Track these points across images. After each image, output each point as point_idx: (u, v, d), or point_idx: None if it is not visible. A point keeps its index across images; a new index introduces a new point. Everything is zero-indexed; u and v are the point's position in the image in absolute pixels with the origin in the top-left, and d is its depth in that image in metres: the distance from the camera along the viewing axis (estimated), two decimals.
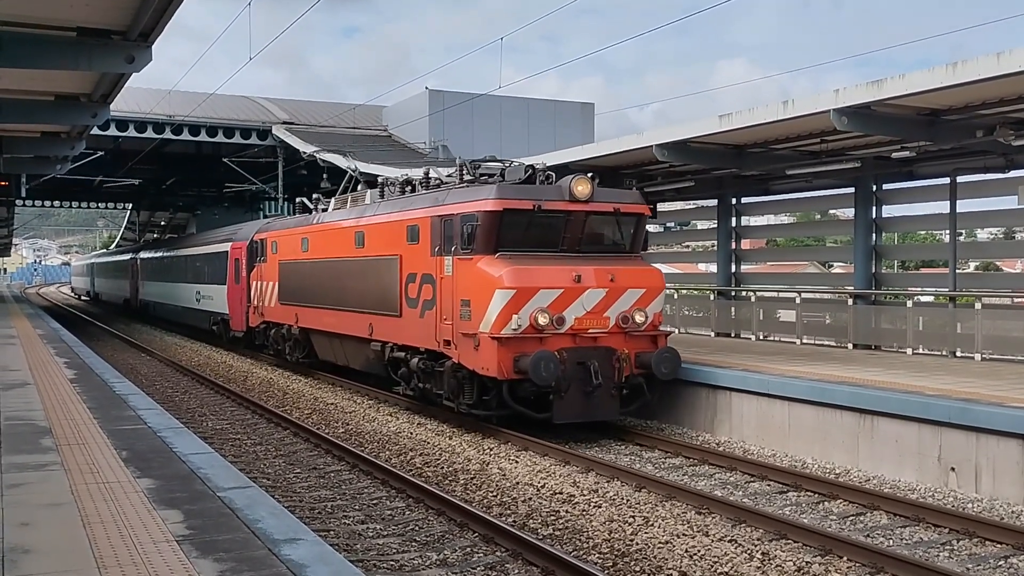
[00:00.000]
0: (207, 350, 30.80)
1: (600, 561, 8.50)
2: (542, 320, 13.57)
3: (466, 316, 14.02)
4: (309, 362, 22.63)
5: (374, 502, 10.87)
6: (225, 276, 29.02)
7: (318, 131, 38.39)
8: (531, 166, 14.76)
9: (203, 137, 37.56)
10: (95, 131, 26.21)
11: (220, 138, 37.82)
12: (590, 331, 13.96)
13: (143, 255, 47.17)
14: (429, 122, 36.97)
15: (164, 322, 40.99)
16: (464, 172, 15.82)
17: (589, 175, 14.59)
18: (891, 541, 9.21)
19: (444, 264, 14.76)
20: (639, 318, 14.32)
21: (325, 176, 35.78)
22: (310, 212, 23.25)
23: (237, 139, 38.17)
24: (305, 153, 35.72)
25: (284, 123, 38.93)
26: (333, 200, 21.68)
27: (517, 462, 12.80)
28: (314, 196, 23.12)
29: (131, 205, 69.99)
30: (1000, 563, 8.52)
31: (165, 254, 41.43)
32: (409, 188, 17.76)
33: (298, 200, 25.02)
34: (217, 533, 5.86)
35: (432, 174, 17.39)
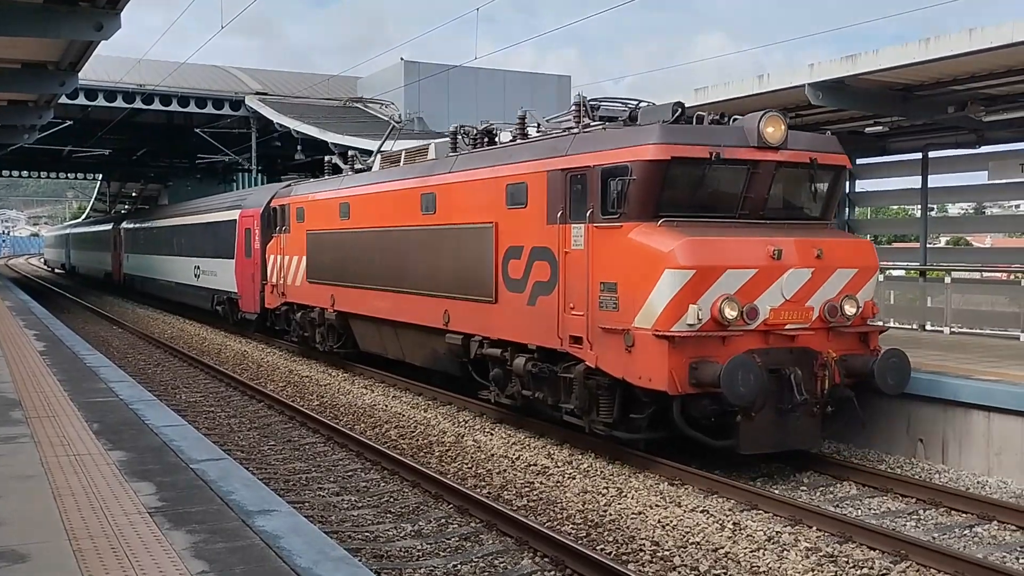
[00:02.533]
0: (180, 322, 30.56)
1: (573, 531, 8.57)
2: (729, 312, 9.88)
3: (609, 305, 10.46)
4: (345, 353, 18.98)
5: (349, 474, 10.89)
6: (232, 249, 25.42)
7: (292, 102, 37.95)
8: (680, 103, 10.90)
9: (174, 107, 37.00)
10: (63, 100, 25.77)
11: (192, 108, 37.29)
12: (787, 327, 10.32)
13: (128, 224, 43.01)
14: (404, 94, 36.63)
15: (154, 300, 37.31)
16: (586, 113, 11.90)
17: (780, 112, 10.90)
18: None
19: (570, 234, 11.13)
20: (849, 308, 10.67)
21: (300, 148, 35.46)
22: (340, 172, 20.06)
23: (209, 109, 37.66)
24: (279, 124, 35.36)
25: (257, 94, 38.46)
26: (378, 157, 18.28)
27: (492, 435, 12.85)
28: (350, 153, 20.07)
29: (101, 176, 69.06)
30: None
31: (155, 224, 37.14)
32: (486, 140, 14.43)
33: (328, 159, 21.53)
34: (190, 505, 5.84)
35: (530, 119, 13.55)
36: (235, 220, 25.46)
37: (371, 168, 18.40)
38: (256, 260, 23.41)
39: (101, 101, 35.50)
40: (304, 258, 19.87)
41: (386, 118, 39.27)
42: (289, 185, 23.02)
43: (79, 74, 18.76)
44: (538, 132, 13.35)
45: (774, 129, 10.54)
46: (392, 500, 9.78)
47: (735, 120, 10.94)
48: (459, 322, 13.71)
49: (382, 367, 17.85)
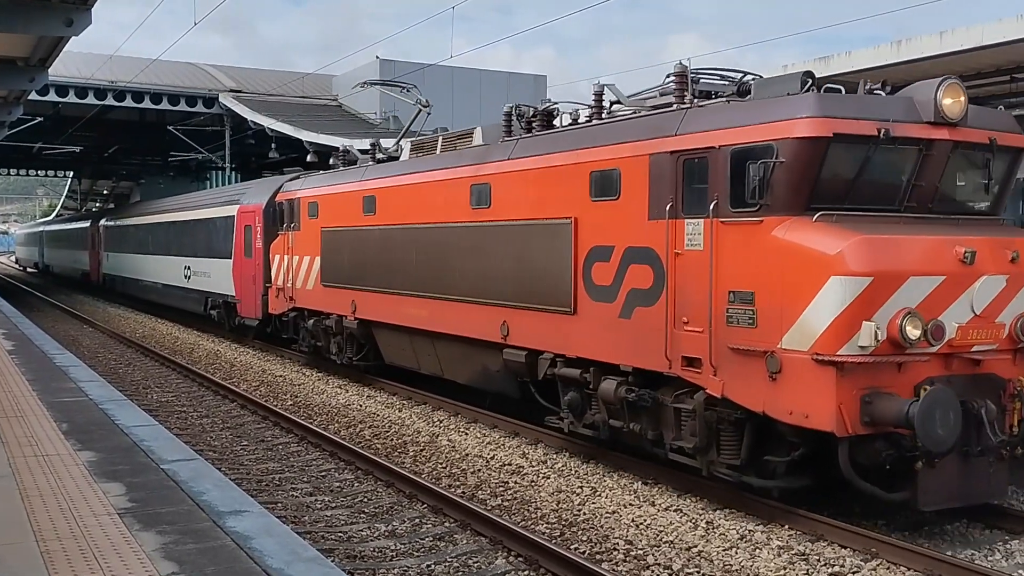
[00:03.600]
0: (151, 321, 30.27)
1: (548, 531, 8.58)
2: (912, 331, 7.90)
3: (742, 319, 8.41)
4: (366, 366, 16.78)
5: (323, 474, 10.83)
6: (229, 248, 23.17)
7: (266, 100, 37.74)
8: (810, 73, 9.01)
9: (147, 104, 36.67)
10: (33, 96, 25.40)
11: (165, 105, 36.97)
12: (973, 348, 8.38)
13: (107, 222, 40.44)
14: (380, 92, 36.48)
15: (137, 303, 35.06)
16: (684, 86, 9.97)
17: (958, 80, 8.93)
18: None
19: (682, 232, 9.11)
20: None
21: (274, 146, 35.28)
22: (355, 163, 18.33)
23: (182, 107, 37.35)
24: (253, 122, 35.14)
25: (231, 91, 38.19)
26: (406, 144, 15.85)
27: (467, 434, 12.83)
28: (370, 142, 18.05)
29: (72, 173, 68.24)
30: None
31: (139, 220, 34.45)
32: (542, 122, 12.33)
33: (341, 147, 19.96)
34: (160, 506, 5.79)
35: (609, 96, 11.46)
36: (233, 216, 23.16)
37: (398, 157, 16.14)
38: (258, 260, 21.28)
39: (72, 98, 35.11)
40: (318, 259, 17.66)
41: (361, 116, 39.18)
42: (297, 177, 20.52)
43: (49, 70, 18.52)
44: (609, 110, 11.34)
45: (953, 101, 8.55)
46: (366, 500, 9.74)
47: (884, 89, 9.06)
48: (522, 336, 11.57)
49: (412, 383, 15.75)
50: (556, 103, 12.40)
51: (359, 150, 19.76)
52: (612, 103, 11.38)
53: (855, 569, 7.51)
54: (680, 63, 10.16)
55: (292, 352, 20.24)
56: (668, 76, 10.28)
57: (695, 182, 9.04)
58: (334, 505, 9.54)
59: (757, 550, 7.98)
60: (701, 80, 10.32)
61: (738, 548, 8.05)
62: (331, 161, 21.73)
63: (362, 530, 8.66)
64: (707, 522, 8.76)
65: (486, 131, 13.35)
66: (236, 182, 39.46)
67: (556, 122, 12.28)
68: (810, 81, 8.83)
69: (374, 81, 20.78)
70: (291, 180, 20.26)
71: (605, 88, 11.30)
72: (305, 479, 10.60)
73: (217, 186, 43.32)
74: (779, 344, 8.08)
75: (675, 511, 9.15)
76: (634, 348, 9.70)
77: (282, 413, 13.86)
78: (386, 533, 8.58)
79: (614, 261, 10.03)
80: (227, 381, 17.40)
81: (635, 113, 10.71)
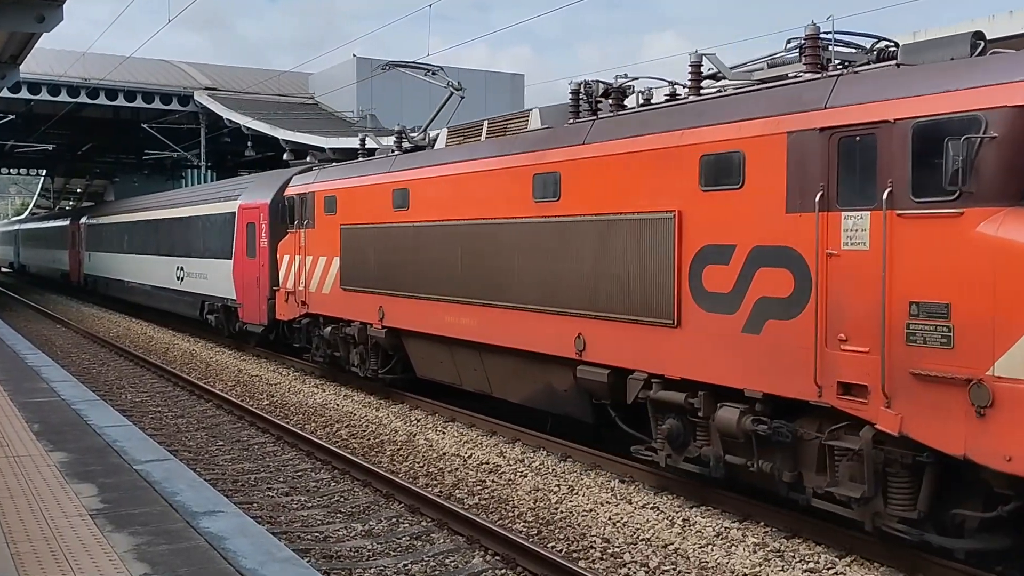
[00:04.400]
0: (126, 321, 29.99)
1: (525, 529, 8.58)
2: None
3: (932, 338, 6.79)
4: (392, 380, 15.02)
5: (299, 474, 10.78)
6: (230, 247, 21.38)
7: (242, 98, 37.52)
8: (980, 33, 7.54)
9: (120, 102, 36.36)
10: (5, 94, 25.12)
11: (139, 103, 36.68)
12: None
13: (90, 220, 38.24)
14: (357, 90, 36.41)
15: (123, 306, 33.06)
16: (817, 53, 8.49)
17: None
18: None
19: (838, 227, 7.50)
20: None
21: (250, 144, 35.09)
22: (373, 153, 16.79)
23: (157, 104, 37.07)
24: (228, 120, 34.92)
25: (206, 89, 37.94)
26: (442, 131, 14.05)
27: (444, 433, 12.81)
28: (396, 128, 15.82)
29: (45, 171, 67.47)
30: None
31: (125, 218, 32.35)
32: (618, 99, 10.80)
33: (360, 136, 18.17)
34: (133, 507, 5.73)
35: (708, 65, 9.75)
36: (233, 213, 21.37)
37: (426, 147, 14.67)
38: (262, 261, 19.58)
39: (44, 95, 34.75)
40: (337, 260, 15.82)
41: (338, 115, 38.99)
42: (310, 169, 18.84)
43: (21, 67, 18.33)
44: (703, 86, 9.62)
45: None
46: (342, 500, 9.70)
47: None
48: (603, 351, 9.87)
49: (449, 400, 14.06)
50: (633, 78, 10.77)
51: (365, 149, 18.05)
52: (699, 80, 9.55)
53: (830, 566, 7.56)
54: (813, 24, 8.57)
55: (302, 363, 18.63)
56: (790, 41, 8.82)
57: (857, 165, 7.37)
58: (310, 505, 9.49)
59: (733, 547, 8.02)
60: (830, 47, 8.64)
61: (714, 545, 8.08)
62: (307, 159, 21.56)
63: (338, 530, 8.62)
64: (683, 519, 8.79)
65: (544, 113, 11.81)
66: (212, 180, 39.19)
67: (628, 101, 10.73)
68: (981, 44, 7.34)
69: (397, 63, 17.88)
70: (301, 173, 18.60)
71: (703, 58, 9.46)
72: (281, 479, 10.54)
73: (193, 184, 42.98)
74: (989, 371, 6.40)
75: (652, 509, 9.17)
76: (765, 370, 7.94)
77: (258, 413, 13.78)
78: (363, 533, 8.55)
79: (735, 263, 8.29)
80: (202, 381, 17.27)
81: (758, 84, 8.93)
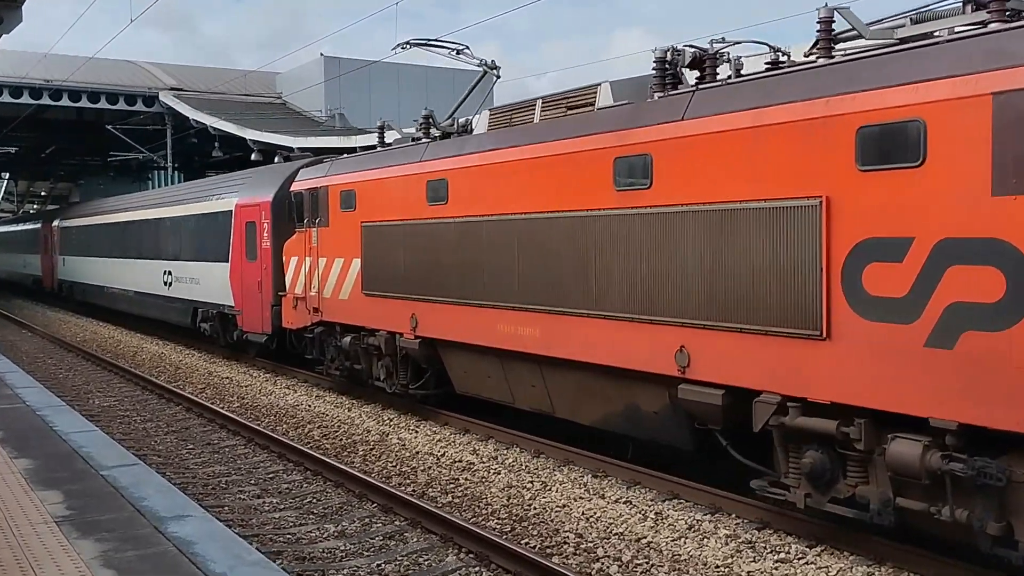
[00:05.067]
0: (93, 325, 29.62)
1: (498, 526, 8.58)
2: None
3: None
4: (425, 396, 13.45)
5: (270, 476, 10.70)
6: (226, 249, 19.60)
7: (208, 98, 37.17)
8: None
9: (84, 103, 35.87)
10: None
11: (103, 104, 36.20)
12: None
13: (63, 222, 36.01)
14: (324, 89, 36.20)
15: (103, 313, 30.90)
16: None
17: None
18: None
19: None
20: None
21: (217, 144, 34.75)
22: (386, 145, 14.99)
23: (121, 105, 36.61)
24: (195, 120, 34.58)
25: (172, 89, 37.54)
26: (482, 115, 12.26)
27: (417, 432, 12.78)
28: (423, 112, 13.77)
29: (8, 175, 66.44)
30: None
31: (103, 220, 30.16)
32: (711, 66, 9.20)
33: (381, 122, 15.79)
34: (99, 513, 5.66)
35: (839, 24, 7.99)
36: (230, 212, 19.55)
37: (464, 131, 12.89)
38: (265, 264, 17.89)
39: (6, 97, 34.22)
40: (357, 261, 14.16)
41: (306, 114, 38.73)
42: (320, 161, 17.18)
43: None
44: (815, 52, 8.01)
45: None
46: (315, 501, 9.64)
47: None
48: (718, 367, 8.19)
49: (492, 418, 12.49)
50: (732, 43, 9.30)
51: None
52: (831, 39, 7.96)
53: (800, 555, 7.63)
54: None
55: (313, 376, 17.04)
56: None
57: None
58: (282, 507, 9.43)
59: (705, 539, 8.07)
60: None
61: (686, 538, 8.13)
62: (276, 160, 21.28)
63: (311, 531, 8.57)
64: (656, 513, 8.83)
65: (616, 87, 10.15)
66: (179, 182, 38.80)
67: (720, 70, 9.25)
68: None
69: (418, 41, 15.32)
70: (309, 166, 16.85)
71: (835, 13, 7.93)
72: (253, 481, 10.46)
73: (159, 186, 42.52)
74: None
75: (624, 503, 9.20)
76: (963, 393, 6.39)
77: (229, 415, 13.66)
78: (335, 533, 8.50)
79: (914, 260, 6.71)
80: (172, 384, 17.10)
81: (931, 37, 7.25)
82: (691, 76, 9.51)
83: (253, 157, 30.28)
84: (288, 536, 8.43)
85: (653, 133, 8.93)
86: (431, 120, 13.57)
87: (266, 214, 17.98)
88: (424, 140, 13.37)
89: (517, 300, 10.68)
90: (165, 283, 23.58)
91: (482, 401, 12.24)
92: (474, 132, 12.44)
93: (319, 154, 20.62)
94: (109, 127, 38.87)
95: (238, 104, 36.93)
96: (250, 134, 31.28)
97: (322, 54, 39.39)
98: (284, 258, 16.85)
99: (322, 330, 15.49)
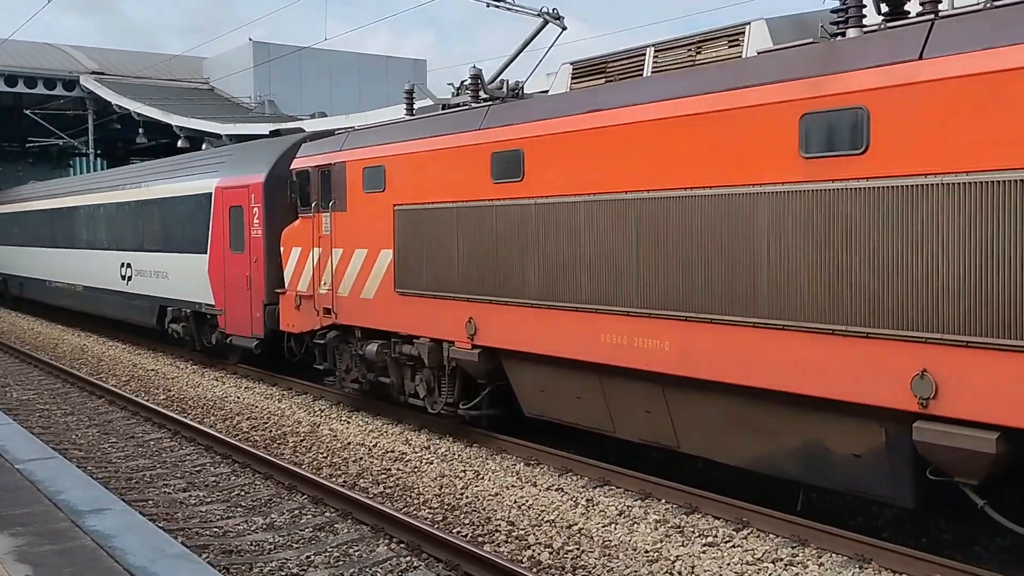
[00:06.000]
0: (11, 316, 28.62)
1: (430, 516, 8.54)
2: None
3: None
4: (477, 417, 11.10)
5: (197, 469, 10.48)
6: (203, 239, 16.94)
7: (132, 82, 36.18)
8: None
9: (0, 86, 34.60)
10: None
11: (20, 88, 35.00)
12: None
13: None
14: (254, 75, 35.53)
15: (42, 310, 28.06)
16: None
17: None
18: None
19: None
20: None
21: (141, 131, 33.87)
22: (411, 112, 12.57)
23: (40, 89, 35.44)
24: (118, 106, 33.64)
25: (93, 73, 36.45)
26: (562, 70, 10.05)
27: (349, 423, 12.65)
28: (471, 73, 11.52)
29: None
30: None
31: (43, 206, 26.81)
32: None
33: (409, 85, 12.88)
34: (13, 507, 5.46)
35: None
36: (208, 195, 16.88)
37: (514, 93, 10.93)
38: (255, 255, 15.32)
39: None
40: (387, 253, 11.81)
41: (235, 100, 37.95)
42: (329, 134, 14.62)
43: None
44: None
45: None
46: (243, 493, 9.47)
47: None
48: (992, 402, 6.02)
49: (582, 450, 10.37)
50: None
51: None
52: None
53: (727, 538, 7.76)
54: None
55: (320, 389, 14.48)
56: None
57: None
58: (209, 500, 9.24)
59: (635, 524, 8.16)
60: None
61: (617, 524, 8.21)
62: (203, 147, 20.75)
63: (239, 524, 8.41)
64: (587, 500, 8.90)
65: (775, 27, 8.11)
66: (102, 169, 37.69)
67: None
68: None
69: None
70: (316, 140, 14.28)
71: None
72: (178, 475, 10.23)
73: (81, 173, 41.23)
74: None
75: (556, 491, 9.25)
76: None
77: (154, 408, 13.34)
78: (264, 526, 8.37)
79: None
80: (94, 377, 16.63)
81: None
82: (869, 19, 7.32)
83: (180, 144, 29.57)
84: (215, 529, 8.27)
85: (871, 79, 6.69)
86: (479, 81, 11.25)
87: (256, 197, 15.33)
88: (482, 103, 10.91)
89: (633, 303, 8.43)
90: (123, 277, 20.59)
91: (560, 427, 10.05)
92: (549, 92, 10.32)
93: (244, 141, 20.22)
94: (27, 112, 37.56)
95: (163, 89, 36.04)
96: (176, 120, 30.55)
97: (251, 39, 38.64)
98: (282, 249, 14.35)
99: (336, 335, 13.10)
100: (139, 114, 32.32)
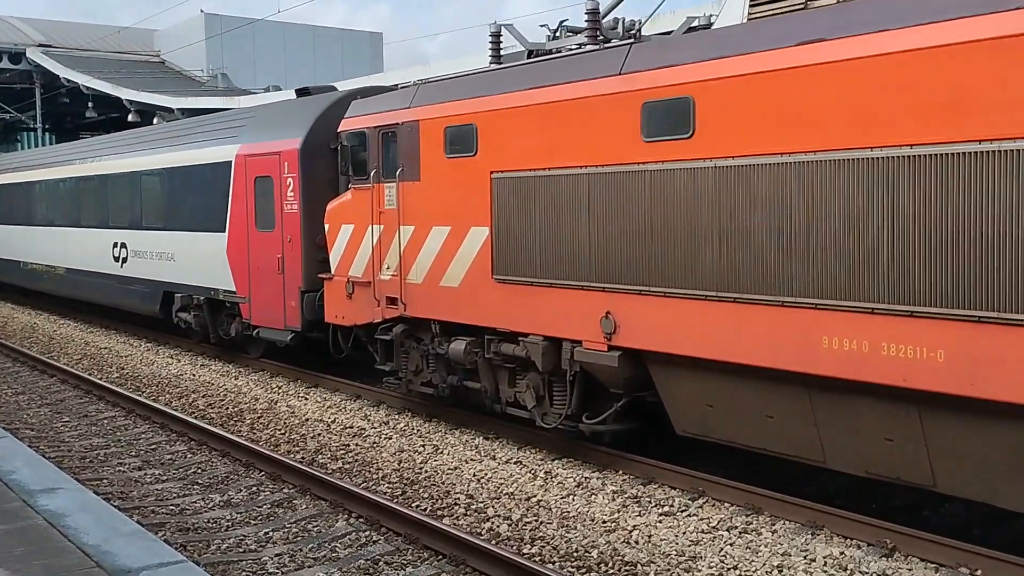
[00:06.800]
0: None
1: (389, 490, 8.55)
2: None
3: None
4: (604, 432, 9.05)
5: (152, 447, 10.38)
6: (221, 214, 14.59)
7: (80, 55, 35.33)
8: None
9: None
10: None
11: None
12: None
13: None
14: (206, 48, 34.88)
15: (15, 293, 25.76)
16: None
17: None
18: None
19: None
20: None
21: (91, 104, 33.14)
22: (499, 59, 10.56)
23: None
24: (66, 79, 32.85)
25: (40, 46, 35.52)
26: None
27: (307, 399, 12.59)
28: (587, 5, 9.55)
29: None
30: None
31: (17, 179, 24.19)
32: None
33: (493, 26, 10.54)
34: None
35: None
36: (227, 163, 14.47)
37: (639, 33, 9.13)
38: (288, 234, 13.05)
39: None
40: (481, 231, 9.62)
41: (187, 74, 37.24)
42: (385, 89, 12.73)
43: None
44: None
45: None
46: (199, 471, 9.40)
47: None
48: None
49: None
50: None
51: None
52: None
53: (683, 508, 7.88)
54: None
55: (375, 392, 12.42)
56: None
57: None
58: (165, 478, 9.16)
59: (593, 496, 8.25)
60: None
61: (575, 495, 8.29)
62: (155, 121, 20.34)
63: (195, 502, 8.36)
64: (546, 472, 8.97)
65: None
66: (51, 144, 36.85)
67: None
68: None
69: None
70: (370, 97, 11.92)
71: None
72: (133, 453, 10.12)
73: (29, 148, 40.26)
74: None
75: (515, 463, 9.31)
76: None
77: (107, 386, 13.15)
78: (221, 503, 8.32)
79: None
80: (46, 355, 16.34)
81: None
82: None
83: (130, 119, 28.98)
84: (171, 507, 8.20)
85: None
86: (596, 18, 9.42)
87: (291, 165, 12.97)
88: (620, 43, 8.93)
89: (880, 296, 6.38)
90: (115, 259, 18.09)
91: (716, 444, 8.18)
92: (714, 25, 8.72)
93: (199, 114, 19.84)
94: None
95: (113, 62, 35.26)
96: (126, 94, 29.94)
97: (202, 11, 37.88)
98: (327, 227, 12.09)
99: (404, 329, 11.02)
100: (88, 87, 31.61)
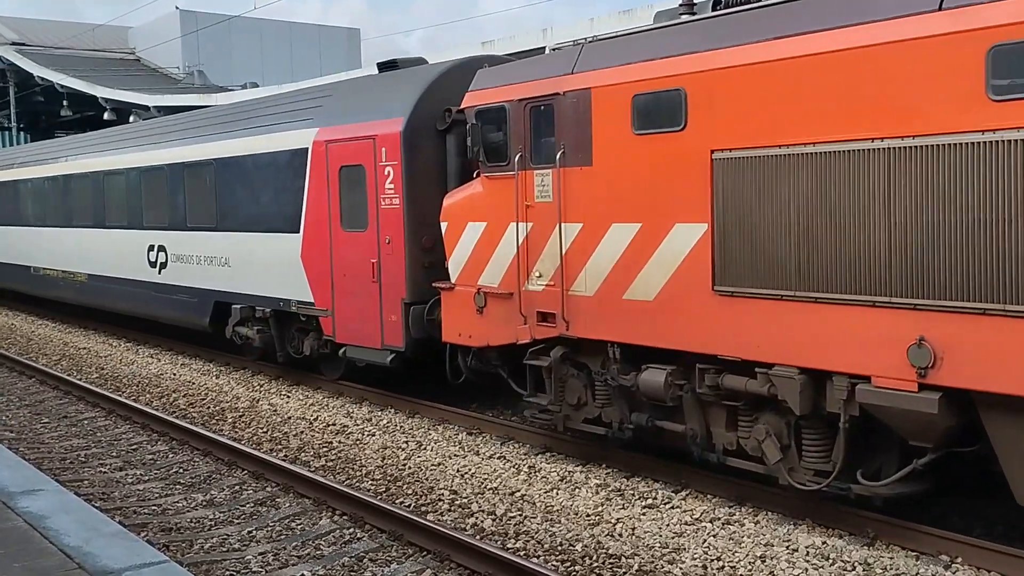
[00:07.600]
0: None
1: (373, 487, 8.54)
2: None
3: None
4: (888, 497, 6.81)
5: (134, 448, 10.31)
6: (296, 212, 12.36)
7: (55, 53, 34.97)
8: None
9: None
10: None
11: None
12: None
13: None
14: (182, 45, 34.60)
15: (29, 302, 22.95)
16: None
17: None
18: None
19: None
20: None
21: (65, 103, 32.79)
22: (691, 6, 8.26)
23: None
24: (40, 77, 32.49)
25: (13, 44, 35.11)
26: None
27: (289, 397, 12.54)
28: None
29: None
30: None
31: (31, 174, 20.91)
32: None
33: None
34: None
35: None
36: (301, 152, 12.24)
37: None
38: (387, 235, 10.95)
39: None
40: (693, 229, 7.49)
41: (163, 71, 36.92)
42: (526, 53, 11.47)
43: None
44: None
45: None
46: (181, 471, 9.35)
47: None
48: None
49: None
50: None
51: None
52: None
53: (667, 500, 7.92)
54: None
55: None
56: None
57: None
58: (147, 478, 9.11)
59: (577, 489, 8.27)
60: None
61: (559, 489, 8.31)
62: (131, 119, 20.16)
63: (177, 502, 8.31)
64: (529, 467, 8.98)
65: None
66: (26, 143, 36.48)
67: None
68: None
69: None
70: (505, 64, 10.14)
71: None
72: (114, 454, 10.05)
73: (3, 148, 39.82)
74: None
75: (499, 458, 9.32)
76: None
77: (87, 387, 13.04)
78: (204, 503, 8.28)
79: None
80: (24, 356, 16.19)
81: None
82: None
83: (106, 116, 28.72)
84: (153, 508, 8.16)
85: None
86: None
87: (391, 152, 10.85)
88: None
89: None
90: (152, 264, 15.75)
91: None
92: None
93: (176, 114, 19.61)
94: None
95: (88, 60, 34.93)
96: (101, 92, 29.64)
97: (178, 7, 37.58)
98: (446, 225, 9.96)
99: (563, 353, 8.90)
100: (63, 86, 31.28)
